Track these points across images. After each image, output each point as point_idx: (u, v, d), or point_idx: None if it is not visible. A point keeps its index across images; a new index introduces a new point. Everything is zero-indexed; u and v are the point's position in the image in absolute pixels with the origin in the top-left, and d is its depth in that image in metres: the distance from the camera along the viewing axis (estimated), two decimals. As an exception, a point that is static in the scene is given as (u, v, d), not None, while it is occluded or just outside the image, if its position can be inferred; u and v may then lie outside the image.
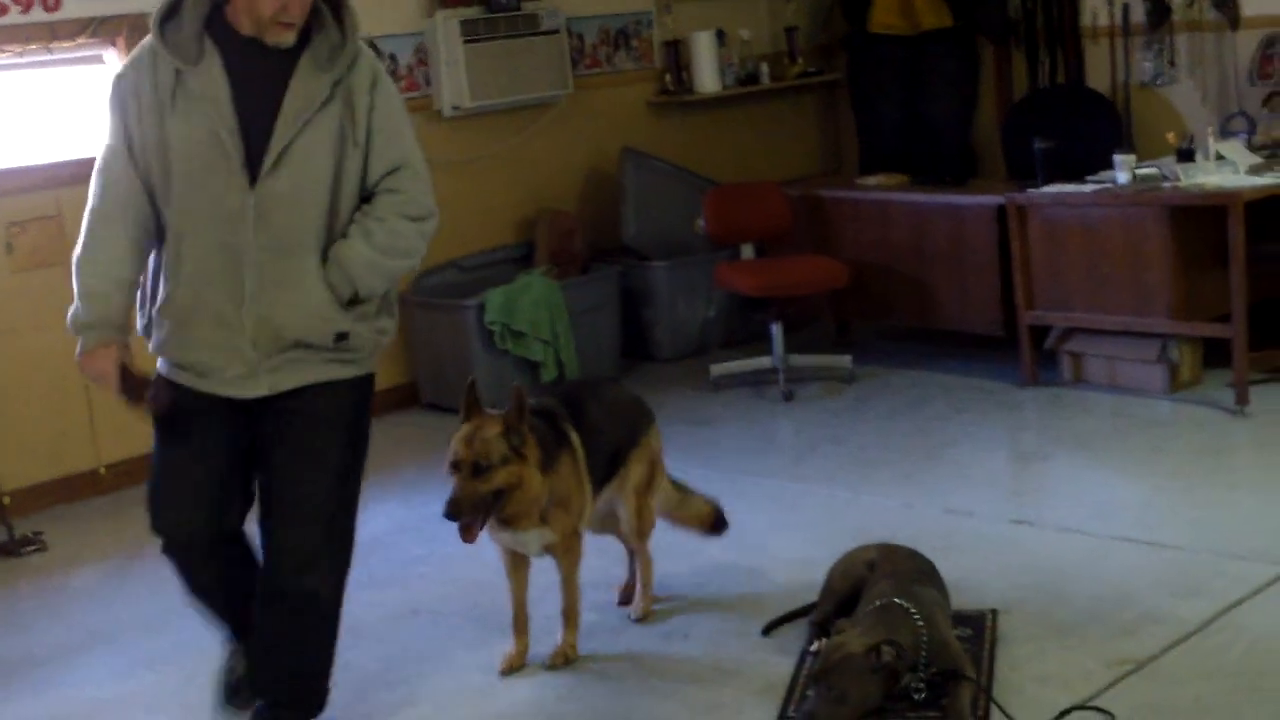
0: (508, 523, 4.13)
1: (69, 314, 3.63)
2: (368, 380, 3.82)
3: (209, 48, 3.54)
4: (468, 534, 4.00)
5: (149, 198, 3.60)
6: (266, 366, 3.61)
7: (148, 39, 3.60)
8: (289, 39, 3.54)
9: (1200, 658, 3.95)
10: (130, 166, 3.59)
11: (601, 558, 4.71)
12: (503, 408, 4.09)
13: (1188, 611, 4.20)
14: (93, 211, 3.65)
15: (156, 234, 3.64)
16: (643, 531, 4.58)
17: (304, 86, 3.55)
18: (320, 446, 3.69)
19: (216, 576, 3.82)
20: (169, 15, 3.56)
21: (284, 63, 3.56)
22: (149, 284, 3.69)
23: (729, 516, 4.82)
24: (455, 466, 3.98)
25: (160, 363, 3.71)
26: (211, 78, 3.53)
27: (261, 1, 3.48)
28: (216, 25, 3.56)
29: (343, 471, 3.73)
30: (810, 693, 3.68)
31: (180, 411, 3.67)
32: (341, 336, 3.66)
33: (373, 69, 3.64)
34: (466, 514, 3.95)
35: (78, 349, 3.62)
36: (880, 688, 3.64)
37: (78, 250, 3.65)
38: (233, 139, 3.51)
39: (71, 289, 3.64)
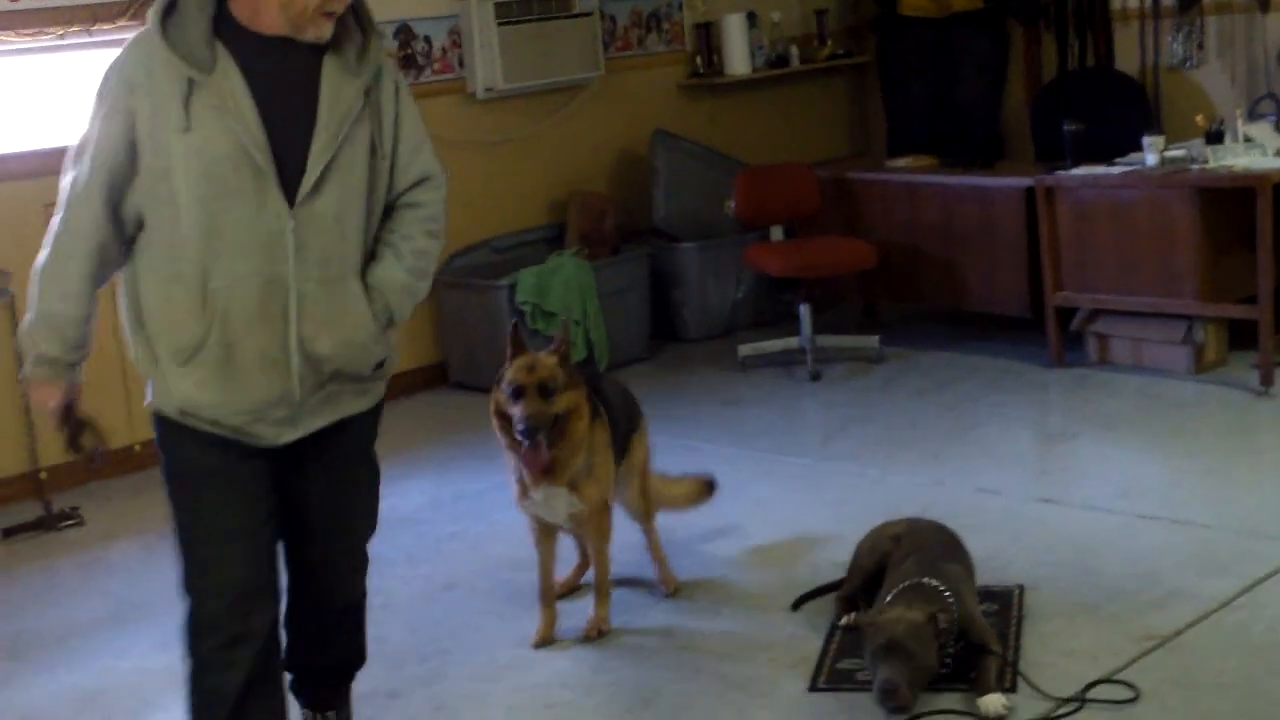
0: (549, 470, 4.19)
1: (23, 325, 3.23)
2: (381, 406, 3.50)
3: (220, 50, 3.08)
4: (536, 454, 4.11)
5: (119, 226, 3.15)
6: (307, 407, 3.24)
7: (145, 33, 3.10)
8: (329, 31, 3.12)
9: (1223, 634, 4.01)
10: (114, 182, 3.12)
11: (632, 532, 4.77)
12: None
13: (1212, 589, 4.25)
14: (65, 222, 3.15)
15: (116, 265, 3.21)
16: (649, 509, 4.69)
17: (337, 93, 3.15)
18: (358, 480, 3.47)
19: (264, 671, 3.32)
20: (169, 10, 3.09)
21: (306, 65, 3.14)
22: (146, 323, 3.19)
23: (721, 479, 4.98)
24: (518, 392, 4.09)
25: (170, 407, 3.22)
26: (231, 86, 3.06)
27: None
28: (221, 22, 3.10)
29: (374, 500, 3.56)
30: (879, 665, 3.71)
31: (204, 470, 3.25)
32: (379, 365, 3.36)
33: (395, 74, 3.32)
34: (540, 434, 4.08)
35: (25, 367, 3.25)
36: (939, 655, 3.71)
37: (42, 260, 3.18)
38: (264, 156, 3.07)
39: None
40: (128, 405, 6.43)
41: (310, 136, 3.12)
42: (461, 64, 7.41)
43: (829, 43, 8.76)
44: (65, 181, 3.16)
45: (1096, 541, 4.71)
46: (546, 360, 4.15)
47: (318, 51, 3.13)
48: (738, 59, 8.27)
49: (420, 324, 7.28)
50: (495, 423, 4.23)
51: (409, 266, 3.32)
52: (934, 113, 8.41)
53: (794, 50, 8.54)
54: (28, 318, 3.19)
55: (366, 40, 3.21)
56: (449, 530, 5.43)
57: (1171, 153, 6.49)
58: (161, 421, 3.27)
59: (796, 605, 4.41)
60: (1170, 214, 6.24)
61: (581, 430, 4.22)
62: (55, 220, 3.16)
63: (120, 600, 5.06)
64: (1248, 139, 6.48)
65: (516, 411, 4.09)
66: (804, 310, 6.98)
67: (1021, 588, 4.34)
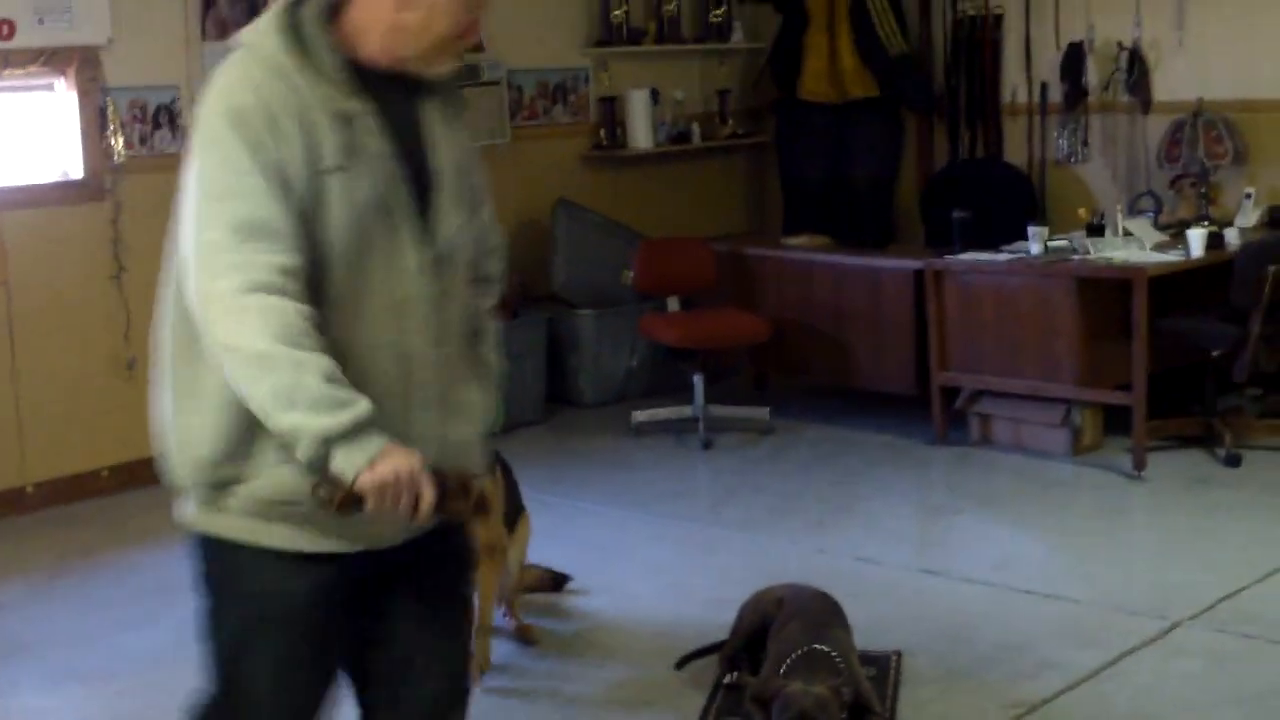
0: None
1: (290, 421, 2.37)
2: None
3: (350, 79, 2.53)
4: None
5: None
6: None
7: (271, 54, 2.48)
8: (452, 65, 2.60)
9: (1090, 703, 4.18)
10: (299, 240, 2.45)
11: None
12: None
13: (1081, 660, 4.43)
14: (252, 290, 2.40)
15: None
16: (517, 587, 4.85)
17: (447, 142, 2.62)
18: (460, 591, 2.85)
19: None
20: (293, 26, 2.51)
21: (405, 105, 2.58)
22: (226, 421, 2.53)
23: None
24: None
25: (241, 514, 2.56)
26: (370, 124, 2.51)
27: (441, 15, 2.50)
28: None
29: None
30: None
31: (277, 610, 2.58)
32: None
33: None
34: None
35: (356, 458, 2.37)
36: None
37: (258, 341, 2.38)
38: (404, 211, 2.53)
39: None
40: (20, 444, 6.43)
41: (425, 189, 2.58)
42: (370, 125, 7.50)
43: (730, 122, 8.98)
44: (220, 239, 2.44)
45: (972, 612, 4.88)
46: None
47: (413, 92, 2.58)
48: (640, 133, 8.45)
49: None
50: None
51: (497, 349, 2.87)
52: (829, 194, 8.64)
53: (695, 127, 8.75)
54: (292, 416, 2.37)
55: (456, 87, 2.71)
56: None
57: (1055, 243, 6.75)
58: (215, 547, 2.61)
59: (681, 664, 4.53)
60: (1052, 301, 6.48)
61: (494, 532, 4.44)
62: (231, 288, 2.40)
63: (6, 638, 5.05)
64: (1127, 233, 6.77)
65: None
66: (698, 380, 7.13)
67: (899, 653, 4.50)
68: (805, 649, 3.96)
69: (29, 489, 6.45)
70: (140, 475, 6.66)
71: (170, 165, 6.66)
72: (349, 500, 2.38)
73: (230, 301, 2.41)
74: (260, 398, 2.39)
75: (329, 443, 2.36)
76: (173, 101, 6.79)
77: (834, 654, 3.94)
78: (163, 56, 6.77)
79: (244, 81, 2.47)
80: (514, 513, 4.79)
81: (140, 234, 6.67)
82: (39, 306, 6.44)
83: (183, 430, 2.61)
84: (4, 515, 6.35)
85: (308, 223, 2.45)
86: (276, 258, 2.40)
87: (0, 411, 6.35)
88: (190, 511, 2.64)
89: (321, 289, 2.47)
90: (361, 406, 2.38)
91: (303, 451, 2.38)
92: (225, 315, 2.42)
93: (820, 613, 4.25)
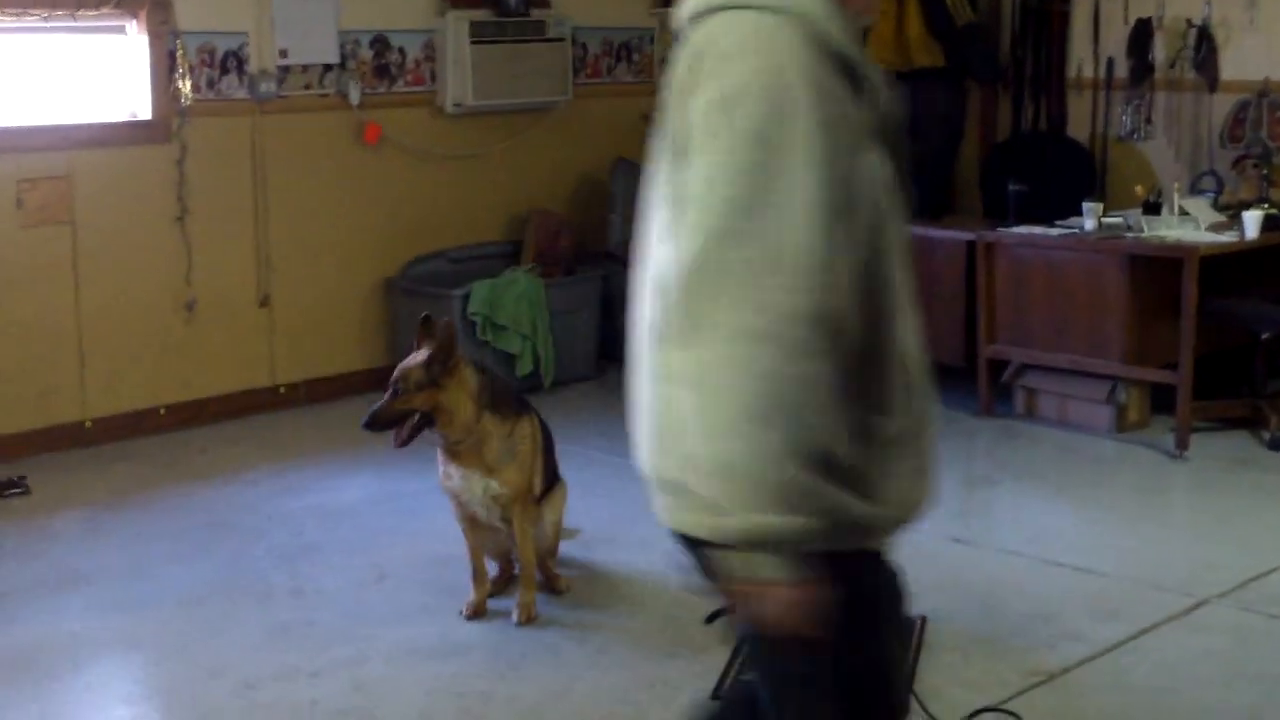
0: (453, 455, 4.56)
1: (770, 504, 2.04)
2: None
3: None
4: (397, 438, 4.52)
5: None
6: None
7: (811, 17, 2.10)
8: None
9: (1108, 674, 4.23)
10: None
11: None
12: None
13: (1104, 632, 4.48)
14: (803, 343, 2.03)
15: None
16: (553, 549, 4.95)
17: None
18: None
19: None
20: None
21: None
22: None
23: None
24: (397, 385, 4.51)
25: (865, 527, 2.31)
26: (882, 86, 2.21)
27: None
28: None
29: None
30: None
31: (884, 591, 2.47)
32: None
33: None
34: (380, 427, 4.51)
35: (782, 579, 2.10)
36: None
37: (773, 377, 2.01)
38: (898, 189, 2.22)
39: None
40: (81, 380, 6.59)
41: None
42: (434, 78, 7.60)
43: (794, 86, 8.99)
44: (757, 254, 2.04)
45: (1000, 582, 4.94)
46: (415, 360, 4.54)
47: None
48: (703, 95, 8.47)
49: (373, 327, 7.47)
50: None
51: None
52: (889, 162, 8.63)
53: (759, 91, 8.76)
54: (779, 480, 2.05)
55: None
56: (386, 525, 5.61)
57: (1109, 219, 6.75)
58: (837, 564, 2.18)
59: (710, 619, 4.57)
60: (1102, 278, 6.49)
61: (459, 418, 4.52)
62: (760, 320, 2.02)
63: (60, 566, 5.20)
64: (1183, 212, 6.74)
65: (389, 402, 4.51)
66: (747, 342, 7.17)
67: (924, 618, 4.55)
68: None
69: (88, 424, 6.62)
70: (198, 414, 6.86)
71: (236, 110, 6.88)
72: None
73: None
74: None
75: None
76: (241, 47, 6.90)
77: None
78: (233, 2, 6.88)
79: (789, 51, 2.07)
80: (551, 476, 4.88)
81: (204, 177, 6.82)
82: (103, 245, 6.59)
83: None
84: (64, 448, 6.51)
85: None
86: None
87: (63, 347, 6.51)
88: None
89: (875, 285, 2.16)
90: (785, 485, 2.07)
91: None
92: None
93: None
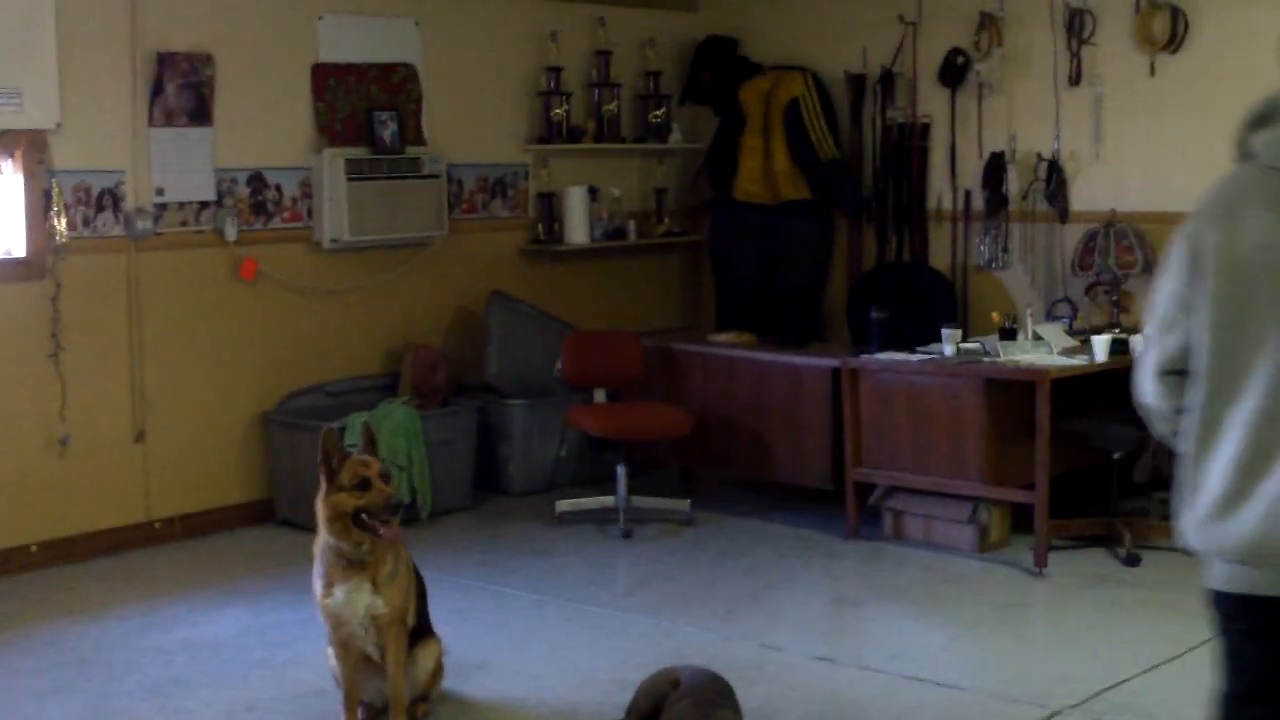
0: (349, 567, 4.62)
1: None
2: None
3: None
4: (394, 530, 4.63)
5: None
6: None
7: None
8: None
9: (963, 785, 4.35)
10: None
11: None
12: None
13: (958, 744, 4.62)
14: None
15: None
16: (425, 695, 4.99)
17: None
18: None
19: None
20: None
21: None
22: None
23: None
24: (370, 480, 4.59)
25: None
26: None
27: None
28: None
29: None
30: None
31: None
32: None
33: None
34: (401, 508, 4.68)
35: None
36: None
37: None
38: None
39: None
40: None
41: None
42: (310, 214, 7.72)
43: (666, 220, 9.24)
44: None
45: (863, 697, 5.06)
46: (369, 458, 4.65)
47: None
48: (577, 229, 8.69)
49: (250, 461, 7.50)
50: (333, 527, 4.60)
51: None
52: (760, 293, 8.89)
53: (632, 225, 8.99)
54: None
55: None
56: (256, 657, 5.61)
57: (968, 345, 6.99)
58: None
59: (574, 743, 4.68)
60: (961, 402, 6.71)
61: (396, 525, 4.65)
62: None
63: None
64: (1038, 337, 7.00)
65: (374, 495, 4.57)
66: (620, 471, 7.31)
67: (787, 736, 4.67)
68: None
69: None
70: (70, 551, 6.84)
71: (112, 247, 6.95)
72: None
73: None
74: None
75: None
76: (117, 185, 6.98)
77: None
78: (110, 141, 6.98)
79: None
80: (423, 623, 4.95)
81: (79, 313, 6.86)
82: (-25, 382, 6.59)
83: None
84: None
85: None
86: None
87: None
88: None
89: None
90: None
91: None
92: None
93: (711, 693, 4.41)
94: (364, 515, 4.57)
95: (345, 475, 4.60)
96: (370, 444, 4.74)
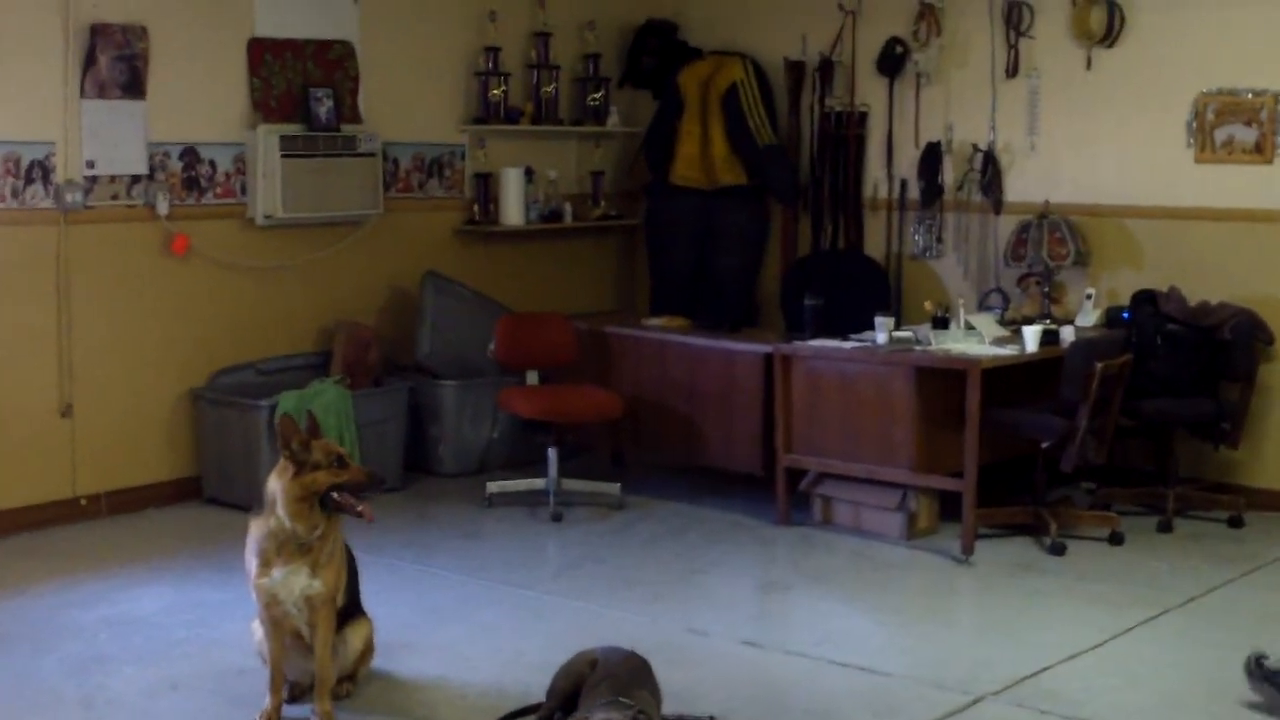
0: (296, 550, 4.59)
1: None
2: None
3: None
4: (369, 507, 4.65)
5: None
6: None
7: None
8: None
9: (885, 769, 4.38)
10: None
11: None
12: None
13: (883, 729, 4.65)
14: None
15: None
16: (352, 675, 4.99)
17: None
18: None
19: None
20: None
21: None
22: None
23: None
24: (345, 458, 4.62)
25: None
26: None
27: None
28: None
29: None
30: None
31: None
32: None
33: None
34: None
35: None
36: None
37: None
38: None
39: None
40: None
41: None
42: (244, 190, 7.65)
43: (602, 203, 9.23)
44: None
45: (787, 682, 5.08)
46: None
47: None
48: (513, 210, 8.66)
49: (178, 438, 7.44)
50: (297, 508, 4.55)
51: None
52: (695, 278, 8.90)
53: (568, 207, 8.97)
54: None
55: None
56: (180, 635, 5.56)
57: (900, 333, 7.02)
58: None
59: (504, 723, 4.68)
60: (891, 389, 6.74)
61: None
62: None
63: None
64: (970, 326, 7.05)
65: (354, 472, 4.61)
66: (551, 453, 7.30)
67: (711, 718, 4.66)
68: (608, 699, 4.13)
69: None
70: (-9, 525, 6.75)
71: (41, 219, 6.86)
72: None
73: None
74: None
75: None
76: (47, 157, 6.89)
77: (636, 706, 4.11)
78: (40, 113, 6.89)
79: None
80: (352, 602, 4.94)
81: (6, 286, 6.79)
82: (-102, 354, 6.50)
83: None
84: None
85: None
86: None
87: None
88: None
89: None
90: None
91: None
92: None
93: (629, 673, 4.42)
94: (335, 494, 4.55)
95: (318, 453, 4.57)
96: (315, 432, 4.68)
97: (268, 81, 7.69)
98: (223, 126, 7.58)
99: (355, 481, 4.58)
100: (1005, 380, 6.73)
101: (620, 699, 4.13)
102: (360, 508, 4.58)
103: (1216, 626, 5.68)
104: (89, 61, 7.01)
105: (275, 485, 4.58)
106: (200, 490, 7.47)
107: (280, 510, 4.56)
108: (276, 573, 4.60)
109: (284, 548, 4.59)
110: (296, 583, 4.61)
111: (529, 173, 8.77)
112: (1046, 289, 7.62)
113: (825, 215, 8.73)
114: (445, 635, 5.54)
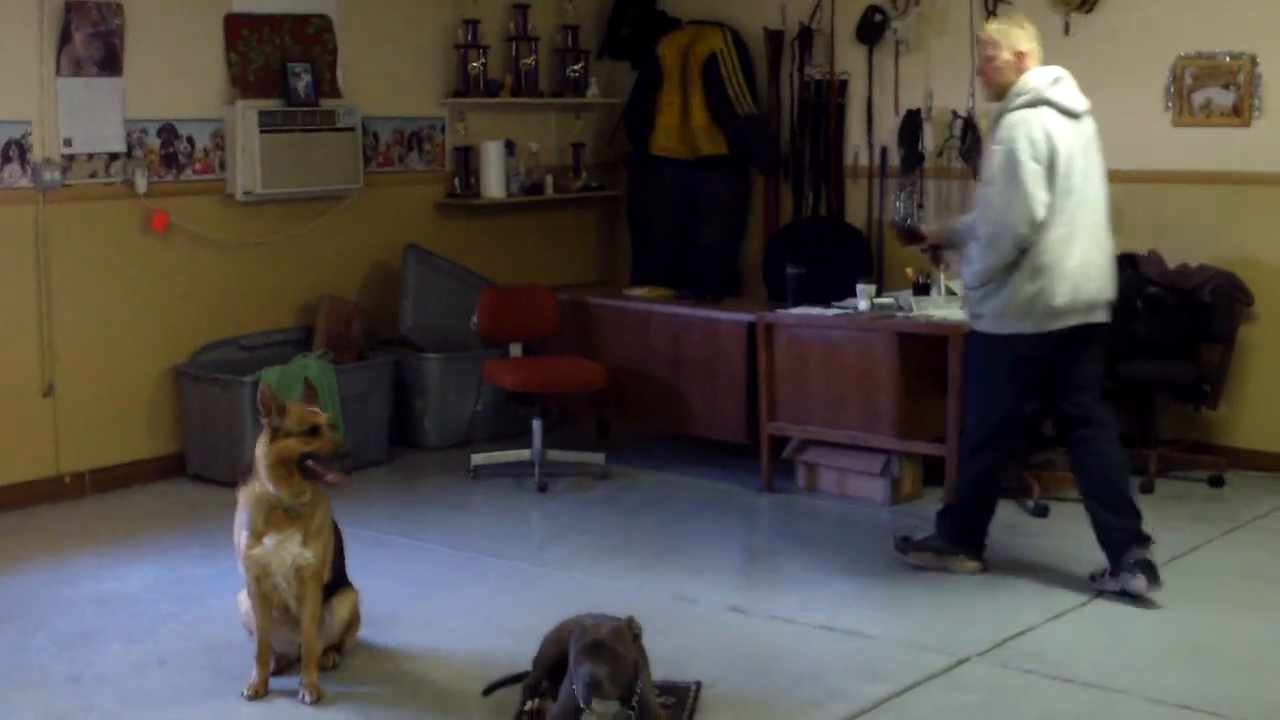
0: (285, 517, 4.63)
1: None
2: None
3: None
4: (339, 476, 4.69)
5: None
6: None
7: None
8: None
9: (869, 731, 4.42)
10: None
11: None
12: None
13: (869, 691, 4.68)
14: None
15: None
16: (339, 646, 5.01)
17: None
18: None
19: None
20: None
21: None
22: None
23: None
24: (319, 427, 4.62)
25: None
26: None
27: None
28: None
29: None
30: (585, 663, 4.01)
31: None
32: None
33: None
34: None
35: None
36: (637, 655, 4.10)
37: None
38: None
39: None
40: None
41: None
42: (223, 166, 7.63)
43: (583, 175, 9.22)
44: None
45: (774, 647, 5.10)
46: (315, 407, 4.70)
47: None
48: (494, 183, 8.65)
49: (161, 415, 7.43)
50: (276, 473, 4.58)
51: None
52: (677, 248, 8.90)
53: (549, 179, 8.96)
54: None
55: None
56: (167, 611, 5.57)
57: (882, 300, 7.03)
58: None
59: (488, 692, 4.69)
60: (874, 356, 6.75)
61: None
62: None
63: None
64: (951, 292, 7.05)
65: (324, 442, 4.60)
66: (536, 425, 7.31)
67: (699, 684, 4.69)
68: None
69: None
70: (-23, 504, 6.75)
71: (18, 198, 6.83)
72: None
73: None
74: None
75: None
76: (24, 136, 6.87)
77: (625, 654, 4.13)
78: (16, 91, 6.86)
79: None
80: (338, 574, 4.95)
81: (-16, 265, 6.77)
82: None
83: None
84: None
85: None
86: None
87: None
88: None
89: None
90: None
91: None
92: None
93: (611, 633, 4.40)
94: (310, 461, 4.58)
95: (291, 420, 4.60)
96: (312, 397, 4.74)
97: (245, 57, 7.66)
98: (201, 103, 7.56)
99: (323, 451, 4.60)
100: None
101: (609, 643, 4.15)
102: (330, 476, 4.61)
103: (1199, 585, 5.72)
104: (64, 39, 6.98)
105: (258, 452, 4.65)
106: (184, 467, 7.47)
107: (261, 475, 4.61)
108: (268, 541, 4.63)
109: (272, 515, 4.63)
110: (288, 552, 4.64)
111: (509, 145, 8.75)
112: (1027, 254, 7.61)
113: (806, 184, 8.73)
114: (432, 606, 5.56)
